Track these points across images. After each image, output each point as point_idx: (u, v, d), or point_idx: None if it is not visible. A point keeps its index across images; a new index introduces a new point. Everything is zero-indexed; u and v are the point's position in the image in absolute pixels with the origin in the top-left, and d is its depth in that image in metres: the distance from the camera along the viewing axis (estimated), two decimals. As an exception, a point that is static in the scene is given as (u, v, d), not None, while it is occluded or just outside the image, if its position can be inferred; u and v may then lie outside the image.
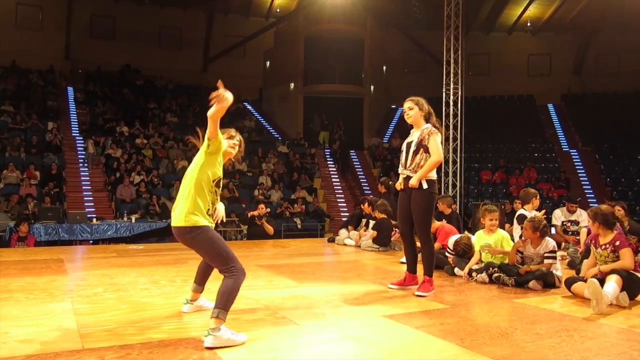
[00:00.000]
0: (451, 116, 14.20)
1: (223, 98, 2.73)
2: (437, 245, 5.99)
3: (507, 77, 22.34)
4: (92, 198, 14.28)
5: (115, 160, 14.91)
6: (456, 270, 5.26)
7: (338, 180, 18.50)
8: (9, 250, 7.62)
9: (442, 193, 13.55)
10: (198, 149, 3.10)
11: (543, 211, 6.20)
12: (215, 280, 3.14)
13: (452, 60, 14.12)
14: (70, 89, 19.04)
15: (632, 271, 4.02)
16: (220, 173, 3.10)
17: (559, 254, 6.12)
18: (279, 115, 21.77)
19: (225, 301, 2.84)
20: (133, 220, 10.94)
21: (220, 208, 3.29)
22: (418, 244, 4.55)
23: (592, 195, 16.79)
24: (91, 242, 10.17)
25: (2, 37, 18.79)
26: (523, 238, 4.83)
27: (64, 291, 4.26)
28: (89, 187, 14.69)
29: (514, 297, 4.21)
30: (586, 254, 4.94)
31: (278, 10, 22.76)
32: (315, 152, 19.35)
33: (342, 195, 17.79)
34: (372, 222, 7.77)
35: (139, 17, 21.11)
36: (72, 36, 20.44)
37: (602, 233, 4.23)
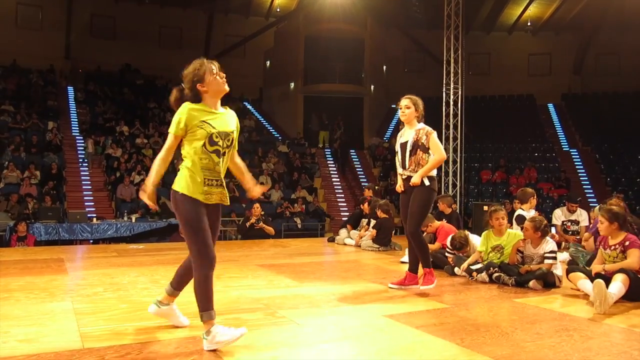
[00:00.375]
0: (451, 116, 14.19)
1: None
2: (437, 245, 6.00)
3: (507, 76, 22.34)
4: (92, 198, 14.28)
5: (115, 160, 14.92)
6: (456, 269, 5.25)
7: (338, 180, 18.50)
8: (9, 250, 7.63)
9: (442, 193, 13.55)
10: None
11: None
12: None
13: (452, 60, 14.11)
14: (70, 89, 19.05)
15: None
16: (208, 130, 2.73)
17: (564, 255, 6.13)
18: (279, 115, 21.77)
19: (201, 300, 2.68)
20: (133, 220, 10.94)
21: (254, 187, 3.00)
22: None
23: (592, 195, 16.79)
24: (91, 241, 10.18)
25: (2, 37, 18.79)
26: (523, 238, 4.83)
27: (64, 291, 4.26)
28: (89, 187, 14.70)
29: (514, 296, 4.21)
30: (591, 258, 4.90)
31: (278, 9, 22.76)
32: (316, 152, 19.35)
33: (342, 195, 17.79)
34: (372, 222, 7.78)
35: (139, 16, 21.11)
36: (72, 36, 20.44)
37: (614, 234, 4.15)
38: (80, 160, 15.50)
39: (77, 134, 16.78)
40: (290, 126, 20.92)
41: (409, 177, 4.29)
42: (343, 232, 8.44)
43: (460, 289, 4.61)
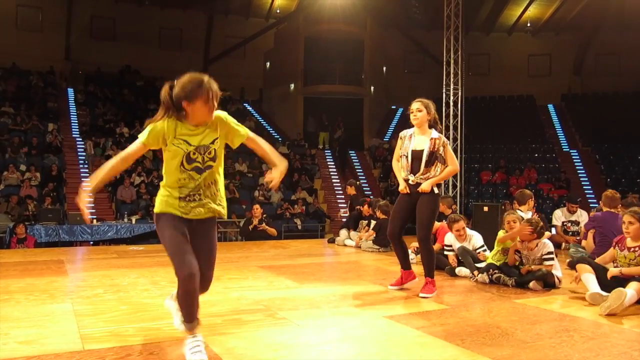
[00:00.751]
0: (451, 116, 14.19)
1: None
2: (437, 246, 6.00)
3: (507, 77, 22.34)
4: (92, 199, 14.26)
5: (115, 161, 14.90)
6: (457, 270, 5.26)
7: (338, 180, 18.51)
8: (9, 252, 7.62)
9: (443, 193, 13.55)
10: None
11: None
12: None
13: (452, 61, 14.12)
14: (70, 90, 19.06)
15: None
16: (184, 148, 2.55)
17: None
18: (279, 116, 21.78)
19: (184, 312, 2.57)
20: (133, 222, 10.94)
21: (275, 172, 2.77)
22: (415, 244, 4.56)
23: (593, 196, 16.79)
24: (91, 243, 10.18)
25: (2, 39, 18.80)
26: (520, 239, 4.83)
27: (64, 292, 4.26)
28: (90, 189, 14.67)
29: (514, 297, 4.21)
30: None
31: (278, 11, 22.77)
32: (316, 153, 19.35)
33: (342, 196, 17.78)
34: (373, 223, 7.78)
35: (139, 18, 21.13)
36: (72, 37, 20.44)
37: (636, 236, 4.04)
38: (81, 161, 15.51)
39: (77, 135, 16.78)
40: (290, 127, 20.93)
41: (418, 184, 4.26)
42: (343, 233, 8.44)
43: (460, 289, 4.61)
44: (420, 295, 4.16)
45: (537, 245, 4.67)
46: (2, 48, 18.49)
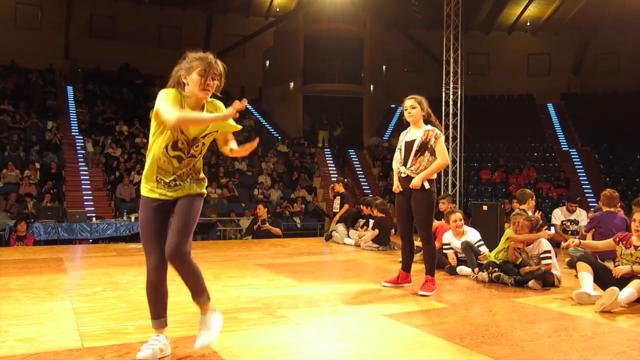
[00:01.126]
0: (451, 115, 14.18)
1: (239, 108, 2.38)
2: (436, 244, 6.00)
3: (506, 76, 22.32)
4: (91, 197, 14.27)
5: (114, 160, 14.91)
6: (458, 269, 5.26)
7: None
8: (9, 249, 7.62)
9: (442, 192, 13.54)
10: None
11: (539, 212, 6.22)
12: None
13: (451, 60, 14.11)
14: (69, 88, 19.02)
15: None
16: (175, 134, 2.49)
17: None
18: (278, 115, 21.76)
19: (150, 306, 2.62)
20: (132, 220, 10.91)
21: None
22: (417, 243, 4.56)
23: (592, 195, 16.80)
24: (90, 241, 10.16)
25: (1, 37, 18.76)
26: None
27: (63, 290, 4.26)
28: (89, 186, 14.68)
29: (513, 296, 4.21)
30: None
31: (277, 9, 22.75)
32: (315, 152, 19.35)
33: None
34: (371, 222, 7.78)
35: (139, 16, 21.09)
36: (71, 35, 20.41)
37: None
38: (80, 159, 15.50)
39: (77, 133, 16.76)
40: (289, 126, 20.92)
41: (409, 177, 4.28)
42: (341, 229, 8.42)
43: (460, 288, 4.61)
44: (420, 293, 4.16)
45: (534, 244, 4.69)
46: (1, 46, 18.46)
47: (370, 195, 13.16)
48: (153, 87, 19.90)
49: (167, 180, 2.54)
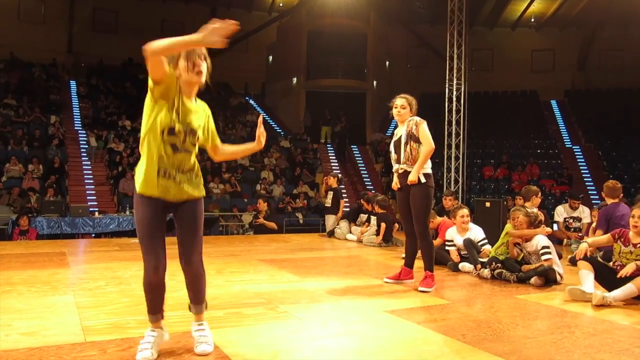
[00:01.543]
0: (454, 112, 14.15)
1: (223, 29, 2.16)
2: (439, 241, 5.99)
3: (510, 72, 22.26)
4: (94, 192, 14.31)
5: (117, 154, 14.93)
6: (460, 266, 5.26)
7: (340, 175, 18.46)
8: (12, 243, 7.64)
9: (445, 189, 13.53)
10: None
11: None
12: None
13: (455, 56, 14.06)
14: (72, 83, 19.05)
15: None
16: (173, 117, 2.43)
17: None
18: (281, 110, 21.75)
19: (147, 304, 2.59)
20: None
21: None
22: None
23: (595, 192, 16.76)
24: (93, 235, 10.20)
25: (4, 31, 18.78)
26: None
27: (66, 284, 4.27)
28: (92, 181, 14.72)
29: (515, 293, 4.21)
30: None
31: (281, 4, 22.70)
32: (318, 147, 19.34)
33: (344, 190, 17.76)
34: (373, 218, 7.78)
35: (142, 11, 21.07)
36: (74, 30, 20.42)
37: None
38: (83, 154, 15.52)
39: (80, 128, 16.78)
40: (292, 121, 20.91)
41: (405, 172, 4.30)
42: (344, 226, 8.42)
43: (462, 285, 4.61)
44: (419, 289, 4.16)
45: (532, 240, 4.69)
46: (4, 40, 18.47)
47: (373, 191, 13.16)
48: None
49: (168, 170, 2.45)
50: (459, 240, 5.44)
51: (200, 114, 2.57)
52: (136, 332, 2.90)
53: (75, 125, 16.99)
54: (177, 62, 2.48)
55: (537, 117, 21.29)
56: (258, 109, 21.54)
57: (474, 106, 16.94)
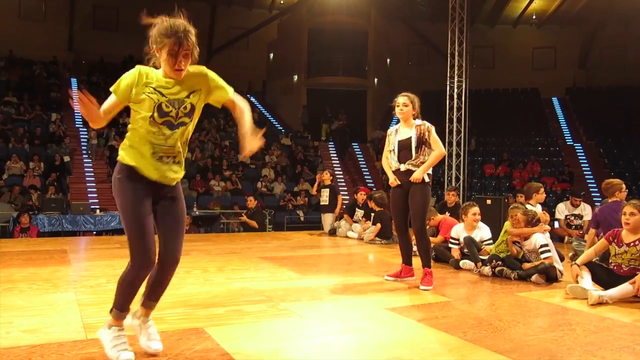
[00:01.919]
0: (455, 109, 14.13)
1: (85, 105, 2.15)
2: (439, 238, 5.99)
3: (511, 70, 22.23)
4: (95, 189, 14.32)
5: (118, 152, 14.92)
6: (461, 263, 5.26)
7: (341, 172, 18.50)
8: (13, 241, 7.66)
9: (446, 186, 13.52)
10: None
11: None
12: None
13: (456, 53, 14.03)
14: (73, 80, 19.04)
15: None
16: (156, 98, 2.27)
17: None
18: (282, 108, 21.74)
19: (120, 298, 2.38)
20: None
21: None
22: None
23: (596, 190, 16.74)
24: (94, 233, 10.21)
25: (5, 28, 18.78)
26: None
27: (67, 282, 4.28)
28: (93, 178, 14.73)
29: (516, 290, 4.21)
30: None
31: (282, 2, 22.67)
32: (319, 145, 19.34)
33: (345, 188, 17.78)
34: (371, 216, 7.78)
35: (142, 8, 20.99)
36: (75, 27, 20.42)
37: (636, 227, 3.92)
38: (84, 151, 15.53)
39: (80, 125, 16.78)
40: (293, 119, 20.90)
41: (409, 171, 4.30)
42: (344, 224, 8.43)
43: (463, 282, 4.61)
44: (421, 287, 4.17)
45: (530, 238, 4.69)
46: (5, 38, 18.47)
47: (374, 189, 13.15)
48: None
49: (163, 154, 2.32)
50: (465, 236, 5.43)
51: (189, 84, 2.37)
52: (137, 329, 2.90)
53: (76, 122, 16.98)
54: (160, 49, 2.38)
55: (538, 115, 21.27)
56: (259, 106, 21.53)
57: (475, 104, 16.92)
